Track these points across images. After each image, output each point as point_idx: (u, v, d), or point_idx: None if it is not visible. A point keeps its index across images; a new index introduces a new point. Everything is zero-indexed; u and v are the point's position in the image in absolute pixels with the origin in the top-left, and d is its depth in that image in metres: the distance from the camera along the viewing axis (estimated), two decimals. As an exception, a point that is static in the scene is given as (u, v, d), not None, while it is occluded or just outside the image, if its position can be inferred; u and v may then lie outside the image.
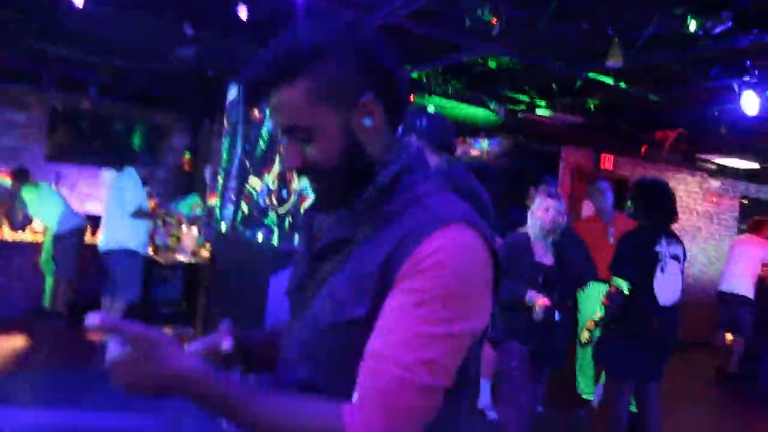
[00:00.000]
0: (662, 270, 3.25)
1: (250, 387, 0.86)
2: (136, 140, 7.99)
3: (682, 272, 3.35)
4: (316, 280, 0.97)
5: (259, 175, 5.23)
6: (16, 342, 4.84)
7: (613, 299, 3.21)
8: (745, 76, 4.12)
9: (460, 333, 0.84)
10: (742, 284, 5.71)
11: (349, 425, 0.81)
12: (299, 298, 1.01)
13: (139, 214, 4.79)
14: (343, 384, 0.87)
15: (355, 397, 0.84)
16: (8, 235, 5.64)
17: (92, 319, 0.81)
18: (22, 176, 5.58)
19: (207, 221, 5.66)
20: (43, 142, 7.14)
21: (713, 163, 7.60)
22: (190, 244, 5.67)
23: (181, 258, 5.60)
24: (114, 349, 0.83)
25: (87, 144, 7.54)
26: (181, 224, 5.77)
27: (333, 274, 0.93)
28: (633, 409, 3.52)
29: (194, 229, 5.77)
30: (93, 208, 6.64)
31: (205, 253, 5.44)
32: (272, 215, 4.85)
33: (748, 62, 3.87)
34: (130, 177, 4.92)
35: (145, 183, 5.03)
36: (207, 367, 0.86)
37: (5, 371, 4.20)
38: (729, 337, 5.99)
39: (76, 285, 5.52)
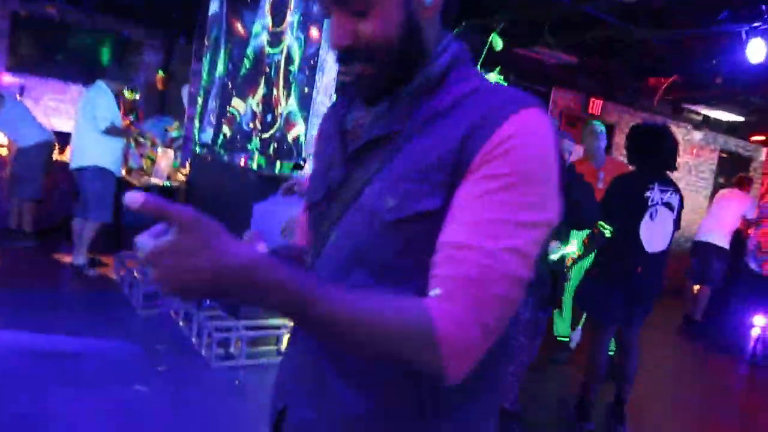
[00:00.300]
0: (651, 217, 3.21)
1: (322, 281, 0.73)
2: (105, 55, 7.54)
3: (676, 221, 3.32)
4: (356, 180, 0.86)
5: (243, 97, 4.96)
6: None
7: (593, 239, 3.18)
8: (755, 22, 3.99)
9: (543, 221, 0.77)
10: (719, 236, 5.79)
11: (437, 318, 0.71)
12: (331, 206, 0.90)
13: (112, 130, 4.50)
14: (407, 284, 0.79)
15: (437, 291, 0.74)
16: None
17: (133, 197, 0.64)
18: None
19: (184, 144, 5.39)
20: (4, 51, 6.66)
21: (699, 114, 7.57)
22: (165, 167, 5.42)
23: (156, 181, 5.35)
24: (150, 238, 0.66)
25: (51, 55, 7.10)
26: (155, 146, 5.49)
27: (380, 170, 0.83)
28: (611, 352, 3.56)
29: (170, 152, 5.50)
30: (60, 124, 6.27)
31: (181, 177, 5.21)
32: (256, 140, 4.63)
33: (763, 6, 3.73)
34: (102, 91, 4.60)
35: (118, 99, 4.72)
36: (273, 258, 0.71)
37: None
38: (696, 287, 6.13)
39: (43, 204, 5.25)
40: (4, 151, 5.35)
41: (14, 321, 3.51)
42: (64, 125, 6.20)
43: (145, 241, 0.66)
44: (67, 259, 4.72)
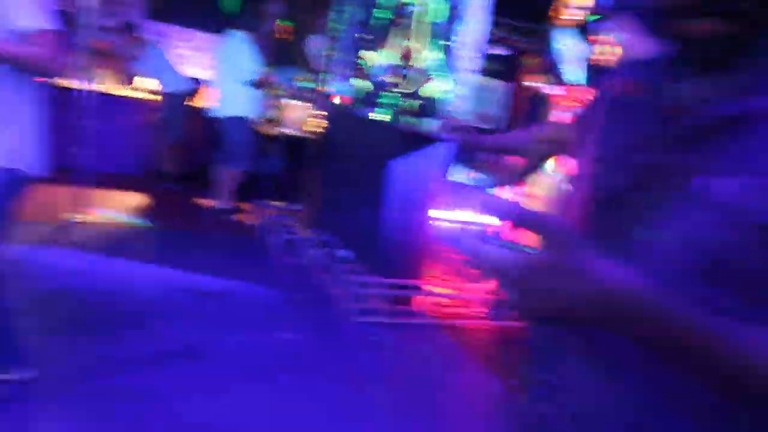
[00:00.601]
0: None
1: (706, 308, 0.61)
2: (230, 4, 7.65)
3: None
4: (691, 168, 0.69)
5: (376, 49, 4.87)
6: (130, 199, 4.90)
7: None
8: None
9: None
10: None
11: None
12: (644, 198, 0.73)
13: (254, 81, 4.61)
14: None
15: None
16: (118, 91, 5.56)
17: (482, 195, 0.55)
18: (130, 30, 5.42)
19: (316, 95, 5.41)
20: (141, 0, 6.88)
21: None
22: (294, 118, 5.49)
23: (286, 131, 5.44)
24: (497, 247, 0.55)
25: (179, 3, 7.27)
26: (287, 96, 5.56)
27: (735, 159, 0.66)
28: None
29: (300, 103, 5.55)
30: (189, 71, 6.46)
31: (312, 129, 5.25)
32: (389, 94, 4.54)
33: None
34: (246, 43, 4.71)
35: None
36: (651, 282, 0.60)
37: (119, 226, 4.27)
38: None
39: (183, 149, 5.48)
40: (156, 97, 5.58)
41: (166, 259, 3.71)
42: (196, 72, 6.39)
43: (496, 251, 0.55)
44: (208, 203, 4.93)
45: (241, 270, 3.81)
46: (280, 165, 5.23)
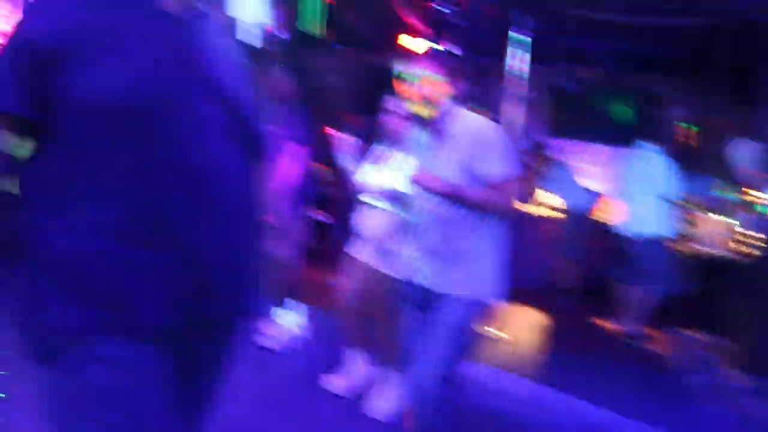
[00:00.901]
0: None
1: None
2: (625, 113, 7.45)
3: None
4: None
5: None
6: (530, 316, 4.96)
7: None
8: None
9: None
10: None
11: None
12: None
13: (670, 197, 4.31)
14: None
15: None
16: (523, 207, 5.85)
17: None
18: (538, 150, 5.77)
19: (742, 208, 4.71)
20: (544, 119, 7.27)
21: None
22: (716, 233, 4.85)
23: (705, 249, 4.84)
24: None
25: (575, 118, 7.38)
26: (702, 209, 5.01)
27: None
28: None
29: (721, 217, 4.92)
30: (594, 185, 6.41)
31: (739, 247, 4.53)
32: None
33: None
34: (653, 153, 4.48)
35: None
36: None
37: (521, 343, 4.29)
38: None
39: (587, 264, 5.36)
40: (558, 213, 5.72)
41: (570, 386, 3.50)
42: (595, 187, 6.31)
43: None
44: (614, 326, 4.61)
45: (657, 414, 3.33)
46: (700, 288, 4.60)
